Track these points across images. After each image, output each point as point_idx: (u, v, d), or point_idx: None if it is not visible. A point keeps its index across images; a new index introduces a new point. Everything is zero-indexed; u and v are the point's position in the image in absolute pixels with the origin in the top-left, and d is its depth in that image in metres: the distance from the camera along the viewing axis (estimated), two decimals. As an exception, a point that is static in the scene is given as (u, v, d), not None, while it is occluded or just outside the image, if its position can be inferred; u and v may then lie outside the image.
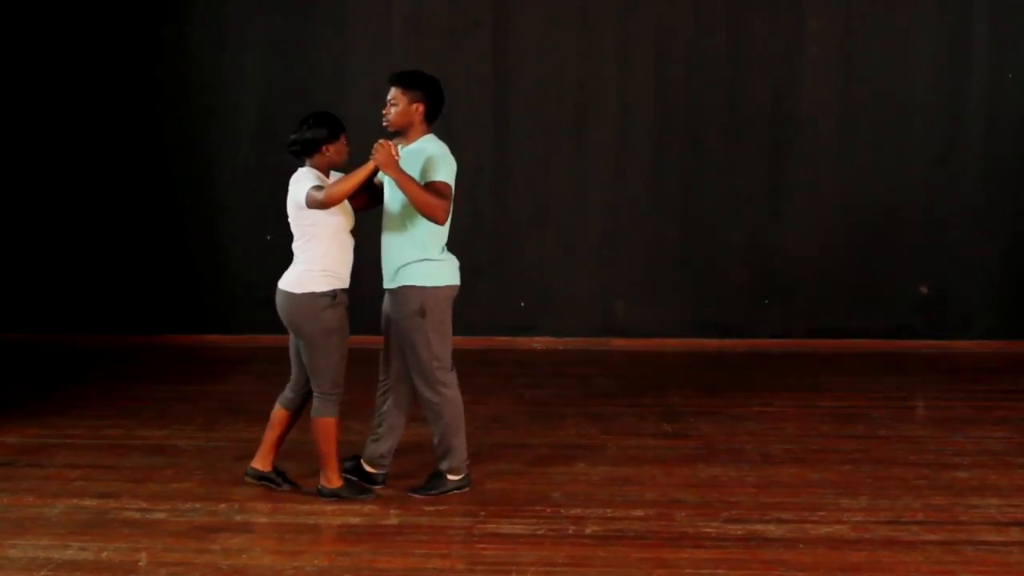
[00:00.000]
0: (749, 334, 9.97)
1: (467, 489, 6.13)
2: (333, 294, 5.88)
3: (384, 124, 5.98)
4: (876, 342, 9.88)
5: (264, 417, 7.46)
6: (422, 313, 5.90)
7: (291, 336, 6.08)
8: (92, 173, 10.10)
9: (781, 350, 9.84)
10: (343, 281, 5.92)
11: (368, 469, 6.26)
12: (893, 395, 8.42)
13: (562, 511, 5.88)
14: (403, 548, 5.43)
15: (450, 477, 6.11)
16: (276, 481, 6.19)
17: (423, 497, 6.03)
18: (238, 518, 5.81)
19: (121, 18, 9.97)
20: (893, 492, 6.19)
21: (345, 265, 5.93)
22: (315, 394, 5.97)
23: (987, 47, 9.75)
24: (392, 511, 5.87)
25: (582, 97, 9.92)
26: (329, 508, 5.92)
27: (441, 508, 5.92)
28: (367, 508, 5.91)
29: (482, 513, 5.85)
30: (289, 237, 6.05)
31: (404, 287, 5.94)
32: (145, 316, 10.15)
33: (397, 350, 6.10)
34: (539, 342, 10.00)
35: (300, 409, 6.17)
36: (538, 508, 5.91)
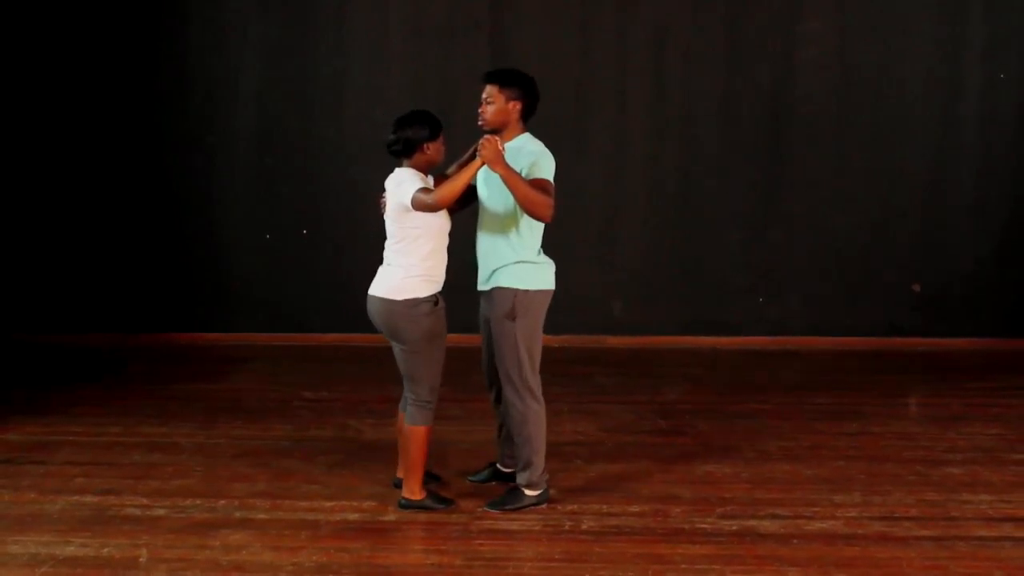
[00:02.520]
0: (744, 332, 10.02)
1: (545, 505, 5.94)
2: (434, 299, 5.76)
3: (480, 123, 5.85)
4: (870, 340, 9.92)
5: (265, 414, 7.54)
6: (512, 316, 5.78)
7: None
8: (94, 175, 10.13)
9: (776, 348, 9.88)
10: (440, 285, 5.80)
11: (504, 470, 6.25)
12: (886, 392, 8.45)
13: (559, 507, 5.92)
14: (401, 544, 5.48)
15: (527, 492, 5.93)
16: (432, 486, 6.08)
17: (499, 512, 5.85)
18: (237, 515, 5.84)
19: (121, 20, 10.00)
20: (886, 488, 6.23)
21: (443, 269, 5.81)
22: (411, 401, 5.80)
23: (981, 48, 9.79)
24: (390, 507, 5.90)
25: (580, 97, 9.96)
26: (328, 504, 5.95)
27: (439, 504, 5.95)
28: (365, 504, 5.94)
29: (479, 509, 5.88)
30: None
31: (498, 288, 5.82)
32: (146, 315, 10.19)
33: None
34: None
35: None
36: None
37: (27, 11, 10.00)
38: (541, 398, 5.93)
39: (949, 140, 9.89)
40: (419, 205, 5.57)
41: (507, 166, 5.58)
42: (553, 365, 9.27)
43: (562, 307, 10.01)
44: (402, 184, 5.64)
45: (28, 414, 7.72)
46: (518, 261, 5.84)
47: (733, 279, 10.08)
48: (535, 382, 5.90)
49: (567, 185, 10.08)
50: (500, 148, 5.56)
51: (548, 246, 10.13)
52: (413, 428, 5.79)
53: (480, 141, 5.60)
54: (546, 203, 5.64)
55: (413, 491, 5.85)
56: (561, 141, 9.89)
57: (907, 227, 9.94)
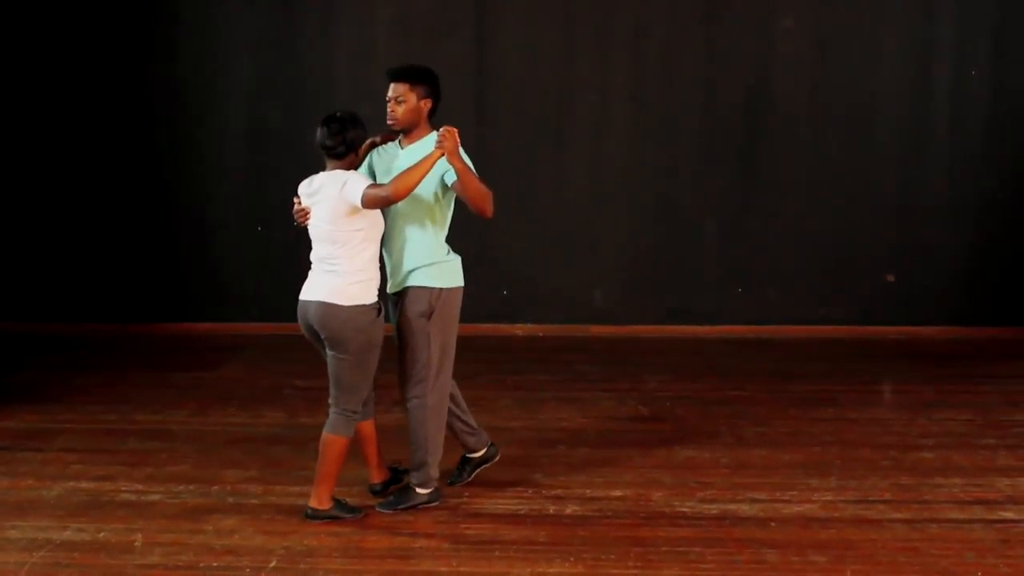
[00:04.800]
0: (723, 321, 10.09)
1: (437, 503, 5.84)
2: (378, 306, 5.56)
3: (390, 123, 5.68)
4: (845, 328, 10.00)
5: (254, 403, 7.61)
6: (428, 314, 5.66)
7: (322, 351, 5.65)
8: (89, 169, 10.17)
9: (754, 337, 9.95)
10: (377, 290, 5.59)
11: (474, 456, 6.16)
12: (861, 379, 8.53)
13: (543, 492, 6.01)
14: (389, 528, 5.56)
15: (419, 490, 5.80)
16: (399, 479, 6.00)
17: (392, 512, 5.75)
18: (230, 500, 5.92)
19: (114, 18, 10.03)
20: (861, 473, 6.33)
21: (378, 273, 5.60)
22: (336, 411, 5.57)
23: (951, 45, 9.87)
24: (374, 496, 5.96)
25: (562, 94, 10.03)
26: (318, 490, 6.06)
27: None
28: (354, 490, 5.98)
29: (466, 494, 5.96)
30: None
31: (415, 288, 5.68)
32: (140, 305, 10.24)
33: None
34: (521, 329, 10.14)
35: (374, 411, 5.90)
36: (520, 489, 6.02)
37: (21, 9, 10.02)
38: (448, 399, 5.85)
39: (922, 135, 9.98)
40: (373, 202, 5.36)
41: (463, 160, 5.49)
42: (537, 354, 9.48)
43: (545, 297, 10.21)
44: (348, 184, 5.41)
45: (26, 402, 7.77)
46: (434, 262, 5.71)
47: (712, 270, 10.17)
48: (446, 382, 5.79)
49: (549, 179, 10.26)
50: (458, 140, 5.42)
51: (531, 239, 10.28)
52: (333, 438, 5.56)
53: (440, 131, 5.40)
54: (491, 197, 5.58)
55: (322, 500, 5.62)
56: (543, 135, 10.10)
57: (881, 219, 10.02)
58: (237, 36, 10.10)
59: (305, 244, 10.41)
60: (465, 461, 6.20)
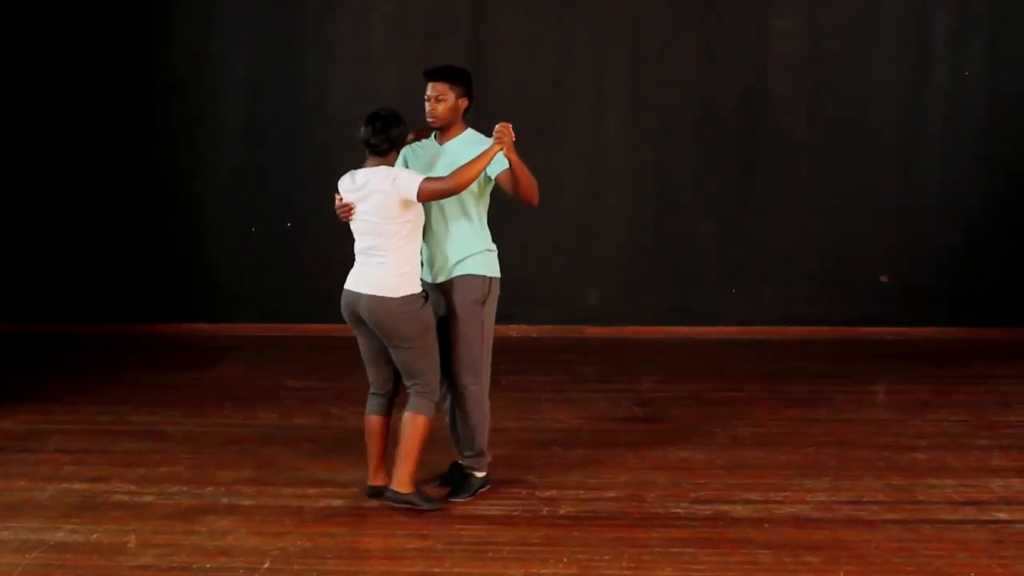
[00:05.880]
0: (719, 322, 10.10)
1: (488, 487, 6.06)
2: (425, 293, 5.71)
3: (430, 120, 5.84)
4: (840, 329, 10.02)
5: (251, 403, 7.61)
6: (482, 302, 5.85)
7: (362, 336, 5.81)
8: (86, 169, 10.16)
9: (750, 337, 9.96)
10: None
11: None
12: (856, 380, 8.54)
13: (537, 493, 6.02)
14: (384, 529, 5.56)
15: (477, 475, 6.02)
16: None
17: (467, 499, 5.94)
18: (224, 501, 5.92)
19: (111, 17, 10.04)
20: (855, 473, 6.34)
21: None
22: (416, 392, 5.72)
23: (946, 46, 9.91)
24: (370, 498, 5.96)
25: (559, 94, 10.06)
26: (312, 491, 6.04)
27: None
28: (349, 490, 6.01)
29: (448, 500, 5.93)
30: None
31: (468, 276, 5.84)
32: (136, 306, 10.23)
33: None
34: (516, 330, 10.14)
35: (391, 411, 5.96)
36: (515, 490, 6.02)
37: (18, 9, 10.02)
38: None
39: (919, 135, 10.01)
40: (430, 195, 5.55)
41: (516, 152, 5.70)
42: (532, 354, 9.48)
43: (542, 298, 10.21)
44: (399, 178, 5.55)
45: (19, 403, 7.76)
46: (483, 250, 5.90)
47: (708, 270, 10.18)
48: (489, 370, 5.99)
49: (546, 179, 10.24)
50: (513, 135, 5.64)
51: (527, 239, 10.29)
52: (416, 416, 5.70)
53: (497, 127, 5.62)
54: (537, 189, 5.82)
55: (403, 483, 5.73)
56: (540, 136, 10.10)
57: (876, 219, 10.04)
58: (234, 36, 10.11)
59: (299, 246, 10.46)
60: (457, 467, 6.21)
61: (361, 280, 5.67)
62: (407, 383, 5.77)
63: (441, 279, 5.88)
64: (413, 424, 5.71)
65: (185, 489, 6.10)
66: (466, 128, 5.94)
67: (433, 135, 5.97)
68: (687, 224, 10.15)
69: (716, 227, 10.14)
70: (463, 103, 5.89)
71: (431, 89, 5.84)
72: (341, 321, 5.89)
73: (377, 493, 5.90)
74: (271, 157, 10.14)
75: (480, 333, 5.87)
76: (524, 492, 6.03)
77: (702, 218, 10.14)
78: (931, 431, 7.19)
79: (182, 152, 10.18)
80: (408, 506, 5.73)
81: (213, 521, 5.64)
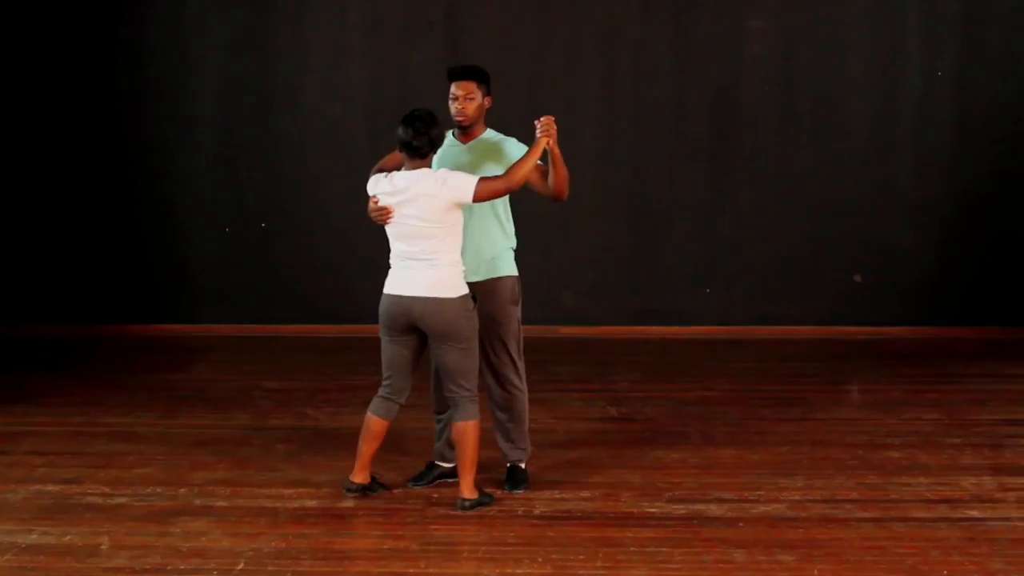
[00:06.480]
0: (692, 322, 10.13)
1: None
2: (473, 293, 5.76)
3: (459, 119, 5.87)
4: (813, 329, 10.05)
5: (225, 404, 7.58)
6: (516, 301, 5.95)
7: (397, 343, 5.78)
8: (57, 169, 10.13)
9: (723, 337, 9.99)
10: None
11: (446, 466, 6.19)
12: (829, 379, 8.59)
13: (511, 493, 6.01)
14: (358, 529, 5.57)
15: (523, 467, 6.15)
16: (374, 488, 5.99)
17: (522, 492, 6.01)
18: (197, 502, 5.90)
19: (83, 15, 10.00)
20: (829, 472, 6.36)
21: None
22: (466, 399, 5.72)
23: (918, 47, 9.96)
24: (348, 494, 5.97)
25: (533, 93, 10.07)
26: (287, 491, 6.02)
27: (396, 492, 6.03)
28: (323, 491, 6.01)
29: (435, 495, 5.97)
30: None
31: (502, 277, 5.93)
32: (109, 306, 10.19)
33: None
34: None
35: (395, 413, 5.93)
36: (489, 490, 6.00)
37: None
38: None
39: (890, 136, 10.07)
40: (486, 195, 5.57)
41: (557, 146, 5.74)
42: (506, 354, 9.47)
43: (515, 298, 10.21)
44: (449, 180, 5.54)
45: (-8, 404, 7.73)
46: (511, 248, 6.01)
47: (681, 270, 10.21)
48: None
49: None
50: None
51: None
52: (476, 424, 5.74)
53: (543, 120, 5.71)
54: None
55: (472, 490, 5.79)
56: (514, 135, 10.05)
57: (849, 220, 10.08)
58: (208, 36, 10.08)
59: (273, 246, 10.42)
60: (433, 467, 6.24)
61: (412, 284, 5.64)
62: (452, 389, 5.74)
63: (474, 279, 5.88)
64: (474, 433, 5.76)
65: (158, 490, 6.08)
66: (486, 127, 6.01)
67: (451, 133, 5.99)
68: (661, 224, 10.18)
69: (690, 227, 10.17)
70: (487, 102, 5.96)
71: (459, 88, 5.87)
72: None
73: (360, 489, 5.91)
74: (245, 157, 10.12)
75: (517, 332, 5.99)
76: (499, 492, 6.02)
77: (676, 218, 10.18)
78: (904, 430, 7.22)
79: (155, 152, 10.15)
80: (479, 508, 5.78)
81: (187, 522, 5.62)
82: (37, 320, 10.14)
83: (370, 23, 10.07)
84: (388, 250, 5.79)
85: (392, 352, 5.81)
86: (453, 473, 6.10)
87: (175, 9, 10.06)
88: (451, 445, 6.08)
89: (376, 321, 5.83)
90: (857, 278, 10.11)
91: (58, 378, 8.58)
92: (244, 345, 9.69)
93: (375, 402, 5.90)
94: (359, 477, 5.94)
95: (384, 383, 5.88)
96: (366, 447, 5.89)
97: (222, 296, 10.19)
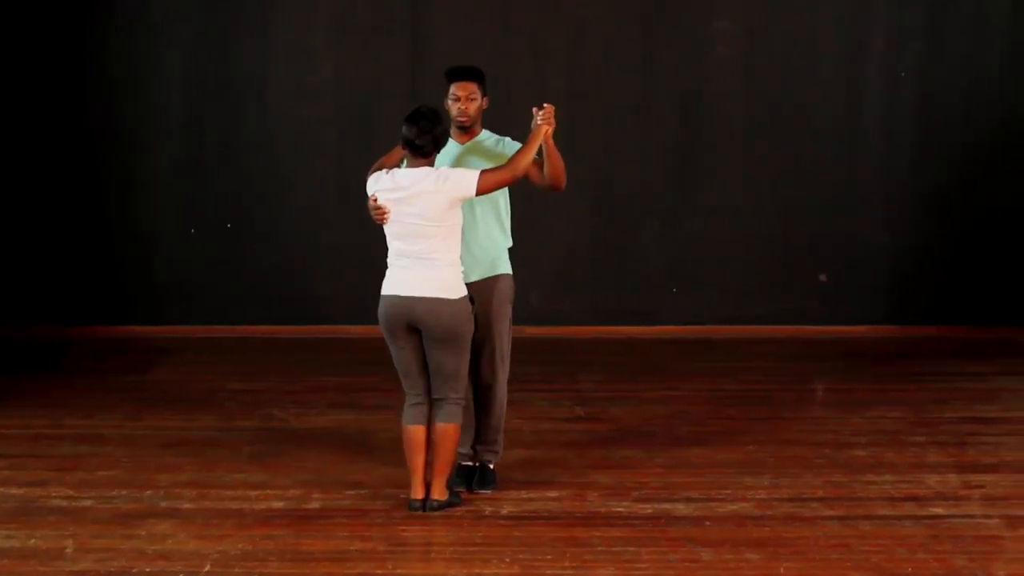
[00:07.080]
0: (659, 321, 10.13)
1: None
2: (470, 295, 5.74)
3: (462, 119, 5.89)
4: (779, 328, 10.07)
5: (191, 405, 7.53)
6: (511, 300, 6.03)
7: (404, 350, 5.71)
8: (19, 170, 10.01)
9: (689, 336, 9.99)
10: None
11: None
12: (795, 379, 8.63)
13: (479, 493, 6.01)
14: (325, 531, 5.53)
15: (492, 467, 6.17)
16: (455, 501, 5.86)
17: (489, 494, 6.02)
18: (163, 504, 5.87)
19: (45, 13, 9.90)
20: (795, 471, 6.39)
21: None
22: (452, 401, 5.69)
23: (882, 47, 10.02)
24: (315, 495, 5.97)
25: (499, 93, 10.03)
26: (253, 493, 6.00)
27: (362, 492, 6.02)
28: (290, 492, 5.99)
29: (402, 496, 5.91)
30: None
31: (500, 275, 5.98)
32: (73, 308, 10.09)
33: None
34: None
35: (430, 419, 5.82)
36: (456, 490, 5.98)
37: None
38: None
39: (854, 136, 10.12)
40: (490, 186, 5.57)
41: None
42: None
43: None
44: (452, 177, 5.54)
45: (-46, 407, 7.66)
46: (508, 247, 6.05)
47: (648, 270, 10.23)
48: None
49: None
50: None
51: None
52: (456, 427, 5.71)
53: (544, 108, 5.79)
54: None
55: (444, 491, 5.76)
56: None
57: (815, 219, 10.13)
58: (172, 35, 10.01)
59: (239, 247, 10.37)
60: (463, 468, 6.24)
61: (415, 284, 5.58)
62: (441, 391, 5.70)
63: (473, 278, 5.87)
64: (454, 434, 5.72)
65: (124, 493, 6.05)
66: (482, 128, 6.05)
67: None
68: (628, 223, 10.19)
69: (658, 227, 10.20)
70: (485, 102, 6.01)
71: (461, 89, 5.90)
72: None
73: (422, 506, 5.76)
74: (210, 157, 10.07)
75: (510, 329, 6.06)
76: (465, 493, 6.01)
77: (643, 218, 10.20)
78: (869, 428, 7.26)
79: (120, 153, 10.07)
80: (448, 508, 5.76)
81: (152, 525, 5.59)
82: (0, 322, 10.04)
83: (336, 22, 10.04)
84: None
85: (401, 359, 5.74)
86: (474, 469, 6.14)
87: (138, 8, 9.98)
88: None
89: (376, 322, 5.77)
90: (822, 277, 10.16)
91: (21, 380, 8.49)
92: (210, 346, 9.64)
93: (406, 412, 5.80)
94: (418, 493, 5.77)
95: (407, 390, 5.81)
96: (415, 459, 5.76)
97: (188, 297, 10.14)
